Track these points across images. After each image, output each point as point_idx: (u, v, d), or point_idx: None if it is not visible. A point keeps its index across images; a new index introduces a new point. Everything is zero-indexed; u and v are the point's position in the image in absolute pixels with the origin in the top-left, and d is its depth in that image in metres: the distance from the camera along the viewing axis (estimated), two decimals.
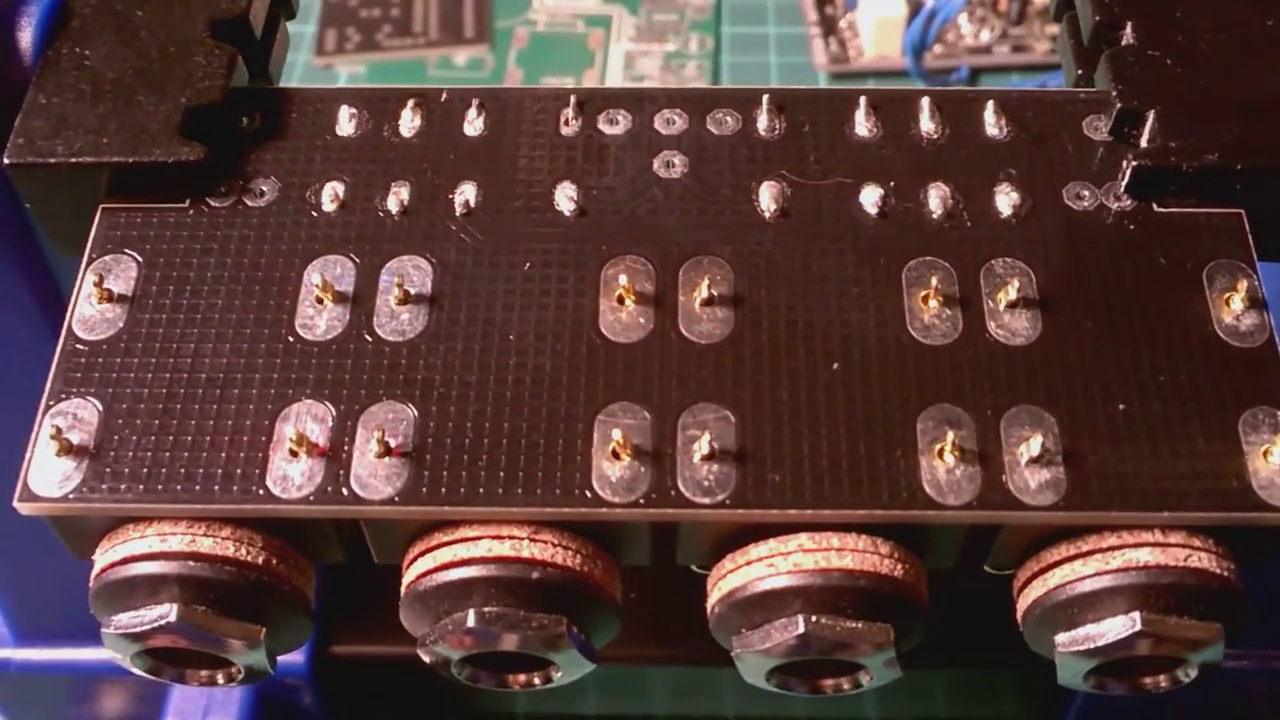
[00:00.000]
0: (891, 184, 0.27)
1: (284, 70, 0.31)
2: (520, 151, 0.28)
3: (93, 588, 0.24)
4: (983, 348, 0.25)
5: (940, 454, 0.24)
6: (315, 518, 0.24)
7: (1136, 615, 0.23)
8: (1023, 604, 0.25)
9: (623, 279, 0.26)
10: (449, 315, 0.26)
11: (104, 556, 0.24)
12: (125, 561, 0.24)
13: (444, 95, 0.29)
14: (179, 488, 0.24)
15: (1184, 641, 0.24)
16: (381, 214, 0.27)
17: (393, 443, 0.24)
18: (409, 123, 0.28)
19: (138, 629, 0.24)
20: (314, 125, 0.28)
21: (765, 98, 0.28)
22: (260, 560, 0.24)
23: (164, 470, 0.24)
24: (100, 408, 0.24)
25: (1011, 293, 0.25)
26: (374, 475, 0.24)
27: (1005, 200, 0.27)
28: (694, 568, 0.25)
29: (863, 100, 0.28)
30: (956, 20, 0.60)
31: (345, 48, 0.61)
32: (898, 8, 0.59)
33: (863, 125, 0.28)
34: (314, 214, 0.27)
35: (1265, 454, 0.24)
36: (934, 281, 0.26)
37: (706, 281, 0.26)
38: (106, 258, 0.26)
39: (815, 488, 0.24)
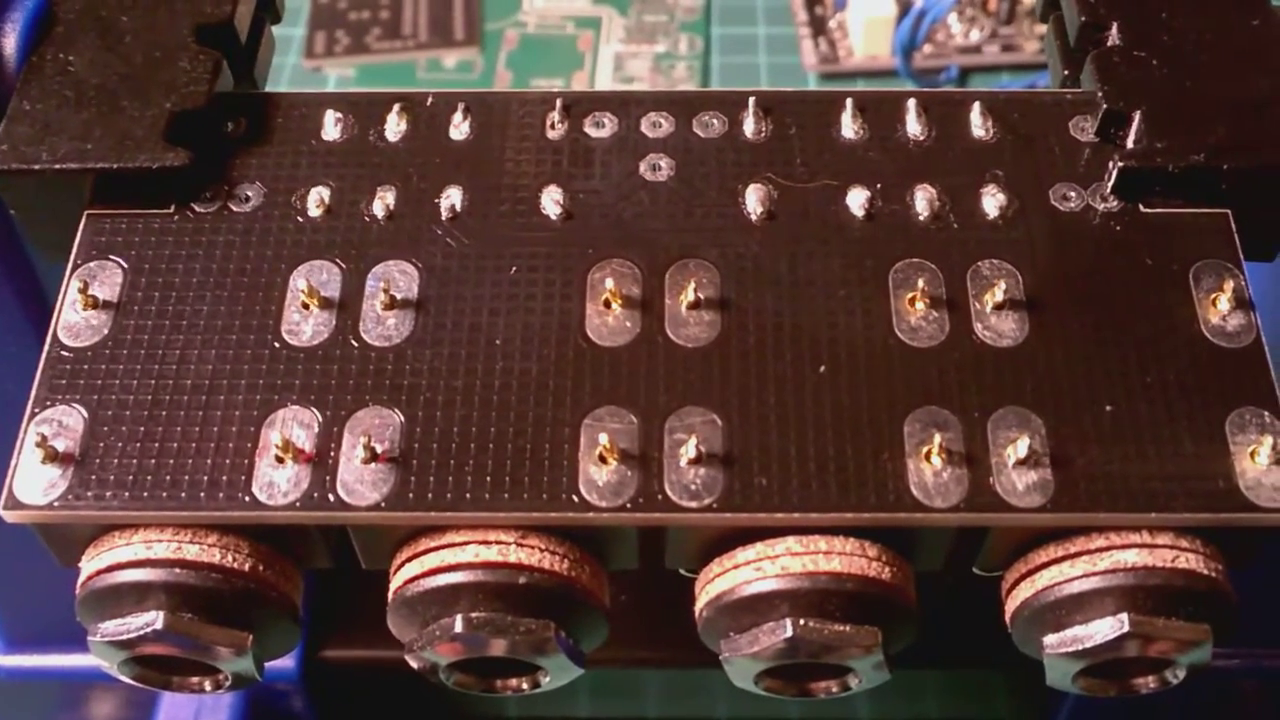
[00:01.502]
0: (878, 186, 0.27)
1: (273, 73, 0.31)
2: (506, 155, 0.28)
3: (79, 595, 0.24)
4: (969, 350, 0.25)
5: (927, 456, 0.24)
6: (302, 524, 0.24)
7: (1124, 616, 0.23)
8: (1011, 606, 0.25)
9: (609, 283, 0.26)
10: (435, 320, 0.26)
11: (90, 564, 0.24)
12: (111, 569, 0.24)
13: (430, 99, 0.29)
14: (165, 495, 0.24)
15: (1172, 642, 0.24)
16: (367, 219, 0.27)
17: (379, 448, 0.24)
18: (395, 127, 0.28)
19: (125, 637, 0.24)
20: (299, 130, 0.28)
21: (752, 100, 0.28)
22: (247, 567, 0.24)
23: (150, 477, 0.24)
24: (86, 415, 0.24)
25: (998, 294, 0.25)
26: (360, 481, 0.24)
27: (992, 202, 0.27)
28: (682, 571, 0.25)
29: (849, 102, 0.28)
30: (946, 20, 0.60)
31: (334, 50, 0.61)
32: (887, 8, 0.59)
33: (849, 127, 0.28)
34: (299, 219, 0.27)
35: (1252, 454, 0.24)
36: (921, 283, 0.26)
37: (693, 285, 0.26)
38: (91, 264, 0.26)
39: (802, 491, 0.24)
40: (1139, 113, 0.27)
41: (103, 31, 0.28)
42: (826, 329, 0.25)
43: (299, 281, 0.26)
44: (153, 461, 0.24)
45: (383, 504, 0.24)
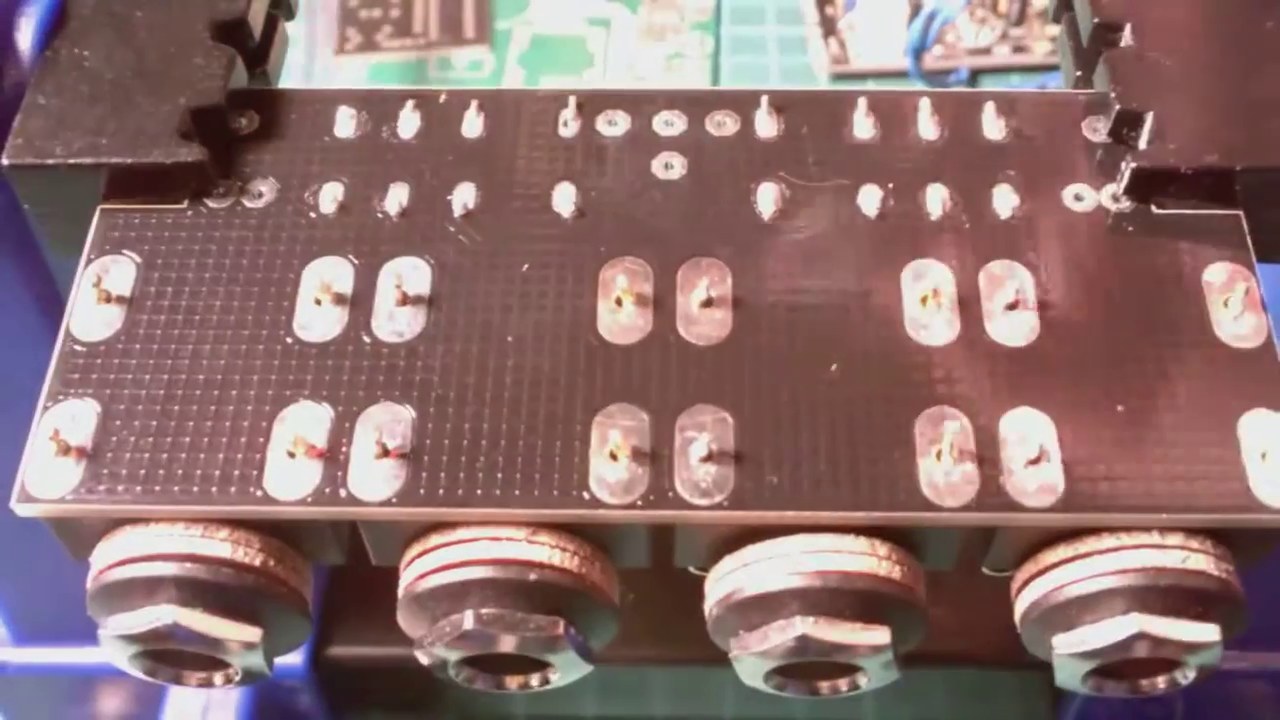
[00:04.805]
0: (890, 185, 0.27)
1: (284, 69, 0.31)
2: (519, 153, 0.28)
3: (90, 589, 0.24)
4: (981, 349, 0.25)
5: (938, 456, 0.24)
6: (313, 519, 0.24)
7: (1134, 617, 0.23)
8: (1021, 606, 0.25)
9: (621, 280, 0.26)
10: (447, 316, 0.26)
11: (101, 558, 0.24)
12: (123, 563, 0.24)
13: (443, 96, 0.29)
14: (177, 489, 0.24)
15: (1182, 643, 0.24)
16: (380, 215, 0.27)
17: (391, 444, 0.24)
18: (408, 124, 0.28)
19: (135, 631, 0.24)
20: (313, 126, 0.28)
21: (764, 99, 0.28)
22: (258, 562, 0.24)
23: (162, 471, 0.24)
24: (98, 409, 0.24)
25: (1010, 294, 0.25)
26: (372, 477, 0.24)
27: (1004, 202, 0.27)
28: (692, 569, 0.25)
29: (861, 102, 0.28)
30: (956, 21, 0.60)
31: (345, 48, 0.61)
32: (898, 9, 0.59)
33: (861, 127, 0.28)
34: (312, 215, 0.27)
35: (1263, 455, 0.24)
36: (932, 283, 0.26)
37: (705, 283, 0.26)
38: (105, 259, 0.26)
39: (813, 489, 0.24)
40: (1152, 113, 0.27)
41: (117, 27, 0.28)
42: (838, 328, 0.25)
43: (312, 277, 0.26)
44: (165, 456, 0.24)
45: (394, 500, 0.24)
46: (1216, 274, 0.26)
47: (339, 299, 0.26)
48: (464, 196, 0.27)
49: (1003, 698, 0.42)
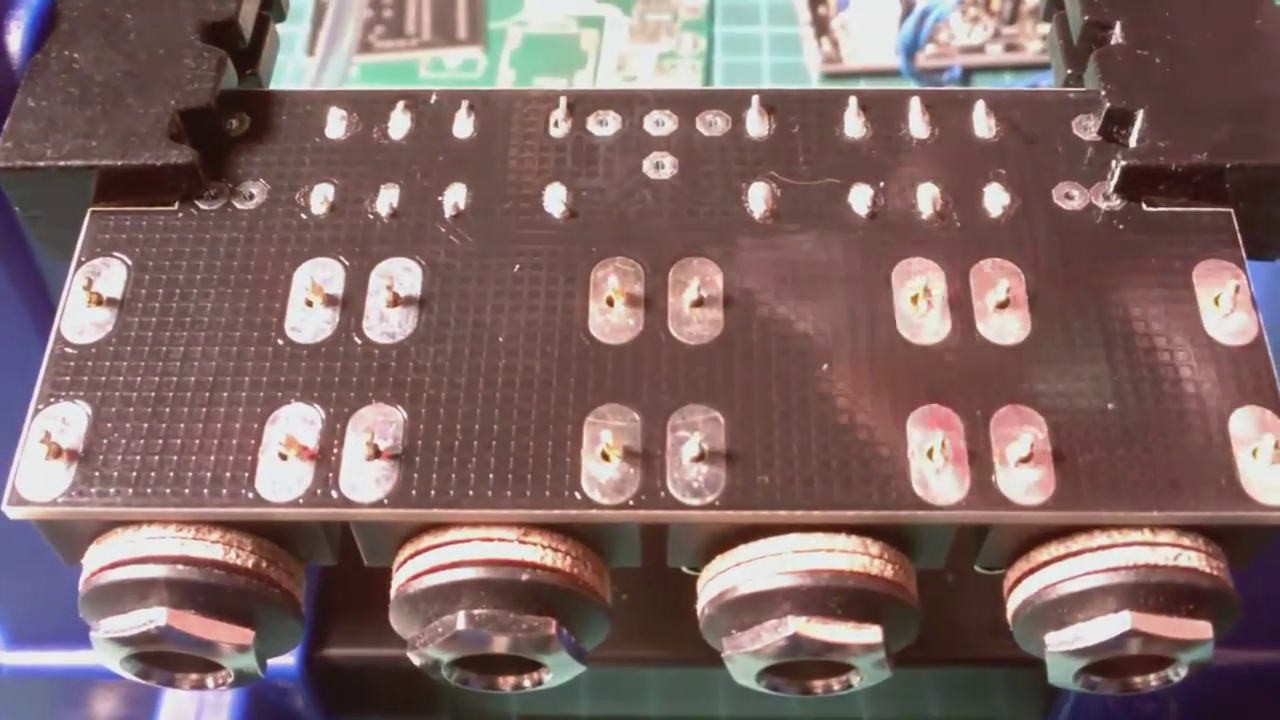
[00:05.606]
0: (881, 184, 0.27)
1: (276, 70, 0.31)
2: (510, 153, 0.28)
3: (82, 592, 0.24)
4: (972, 348, 0.25)
5: (929, 454, 0.24)
6: (305, 521, 0.24)
7: (1126, 614, 0.23)
8: (1013, 604, 0.25)
9: (612, 280, 0.26)
10: (438, 317, 0.26)
11: (93, 560, 0.24)
12: (114, 565, 0.24)
13: (433, 97, 0.29)
14: (168, 491, 0.24)
15: (1174, 641, 0.24)
16: (371, 216, 0.27)
17: (382, 445, 0.24)
18: (398, 125, 0.28)
19: (127, 633, 0.24)
20: (303, 127, 0.28)
21: (755, 99, 0.28)
22: (250, 563, 0.24)
23: (153, 474, 0.24)
24: (89, 411, 0.24)
25: (1001, 293, 0.25)
26: (363, 478, 0.24)
27: (995, 200, 0.27)
28: (684, 569, 0.25)
29: (852, 101, 0.28)
30: (949, 20, 0.60)
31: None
32: (890, 7, 0.59)
33: (852, 126, 0.28)
34: (303, 216, 0.27)
35: (1254, 453, 0.24)
36: (923, 282, 0.26)
37: (696, 283, 0.26)
38: (96, 261, 0.26)
39: (805, 489, 0.24)
40: (1142, 111, 0.27)
41: (107, 29, 0.28)
42: (829, 327, 0.25)
43: (303, 278, 0.26)
44: (156, 458, 0.24)
45: (385, 501, 0.24)
46: (1207, 271, 0.26)
47: (330, 300, 0.26)
48: (455, 197, 0.27)
49: (995, 696, 0.42)
